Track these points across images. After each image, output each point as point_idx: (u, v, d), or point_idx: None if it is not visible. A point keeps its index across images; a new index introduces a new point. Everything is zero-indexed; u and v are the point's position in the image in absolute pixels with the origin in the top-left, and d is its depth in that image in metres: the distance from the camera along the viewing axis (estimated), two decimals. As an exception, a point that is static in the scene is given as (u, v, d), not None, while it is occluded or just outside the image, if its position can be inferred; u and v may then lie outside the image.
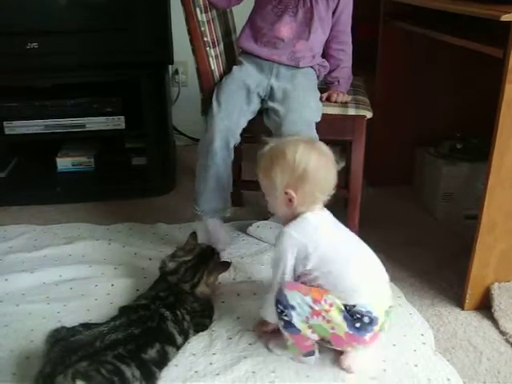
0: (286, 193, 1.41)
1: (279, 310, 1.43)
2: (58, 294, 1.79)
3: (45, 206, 2.40)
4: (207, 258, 1.71)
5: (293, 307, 1.41)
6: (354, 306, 1.39)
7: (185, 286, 1.62)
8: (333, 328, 1.40)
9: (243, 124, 1.77)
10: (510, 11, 1.39)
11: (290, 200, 1.41)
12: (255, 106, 1.81)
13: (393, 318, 1.49)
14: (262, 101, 1.81)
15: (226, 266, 1.78)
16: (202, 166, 1.82)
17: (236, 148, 1.84)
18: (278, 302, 1.43)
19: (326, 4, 1.82)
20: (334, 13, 1.85)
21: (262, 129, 1.76)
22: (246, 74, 1.83)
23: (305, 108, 1.73)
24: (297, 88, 1.79)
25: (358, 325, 1.38)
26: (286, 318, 1.41)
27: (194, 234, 1.75)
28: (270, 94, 1.79)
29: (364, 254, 1.47)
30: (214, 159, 1.77)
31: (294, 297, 1.41)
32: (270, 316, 1.49)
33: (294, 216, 1.45)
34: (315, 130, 1.73)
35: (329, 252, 1.41)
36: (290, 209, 1.44)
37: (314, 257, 1.40)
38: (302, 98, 1.76)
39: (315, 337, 1.44)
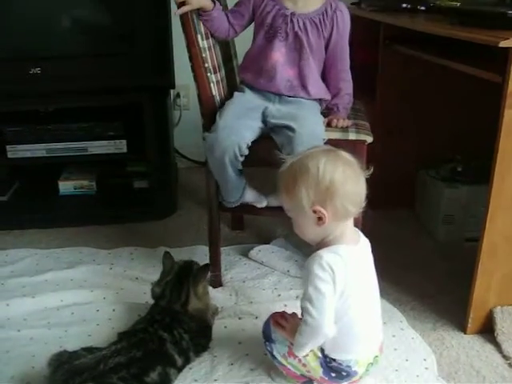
0: (315, 211, 1.28)
1: (264, 340, 1.46)
2: (60, 318, 1.79)
3: (47, 229, 2.40)
4: (187, 272, 1.69)
5: (274, 342, 1.43)
6: (334, 359, 1.37)
7: (176, 307, 1.62)
8: (308, 371, 1.40)
9: (250, 137, 1.74)
10: (509, 37, 1.40)
11: (320, 218, 1.28)
12: (258, 122, 1.79)
13: (379, 362, 1.45)
14: (266, 122, 1.80)
15: (206, 268, 1.74)
16: (216, 175, 1.82)
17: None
18: (263, 331, 1.46)
19: (316, 33, 1.82)
20: (329, 42, 1.85)
21: (265, 151, 1.76)
22: (249, 99, 1.85)
23: (315, 125, 1.74)
24: (303, 109, 1.80)
25: (333, 374, 1.38)
26: (268, 349, 1.44)
27: (167, 254, 1.75)
28: (277, 115, 1.78)
29: (371, 313, 1.40)
30: (227, 172, 1.76)
31: (276, 333, 1.43)
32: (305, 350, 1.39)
33: (327, 238, 1.33)
34: None
35: (344, 302, 1.31)
36: (321, 228, 1.31)
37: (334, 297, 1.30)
38: (310, 116, 1.77)
39: (297, 373, 1.43)
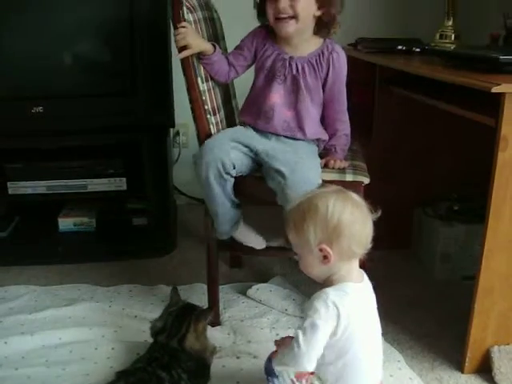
0: (321, 249, 1.29)
1: (266, 376, 1.47)
2: (58, 357, 1.78)
3: (46, 266, 2.40)
4: (191, 309, 1.70)
5: (276, 376, 1.44)
6: None
7: (173, 343, 1.61)
8: None
9: (235, 158, 1.73)
10: (501, 83, 1.43)
11: (326, 257, 1.29)
12: (249, 152, 1.80)
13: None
14: (258, 158, 1.80)
15: (210, 310, 1.77)
16: (205, 196, 1.80)
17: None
18: (265, 368, 1.48)
19: (313, 74, 1.85)
20: (325, 82, 1.87)
21: (261, 191, 1.78)
22: (246, 133, 1.87)
23: (308, 170, 1.73)
24: (298, 152, 1.81)
25: None
26: None
27: (175, 289, 1.76)
28: (271, 154, 1.78)
29: (374, 351, 1.39)
30: (213, 191, 1.74)
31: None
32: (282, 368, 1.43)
33: (332, 277, 1.34)
34: None
35: (347, 338, 1.30)
36: (326, 267, 1.32)
37: (337, 334, 1.29)
38: (304, 159, 1.77)
39: None
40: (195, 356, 1.63)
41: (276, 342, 1.51)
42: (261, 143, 1.83)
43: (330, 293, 1.30)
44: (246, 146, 1.80)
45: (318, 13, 1.79)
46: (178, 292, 1.77)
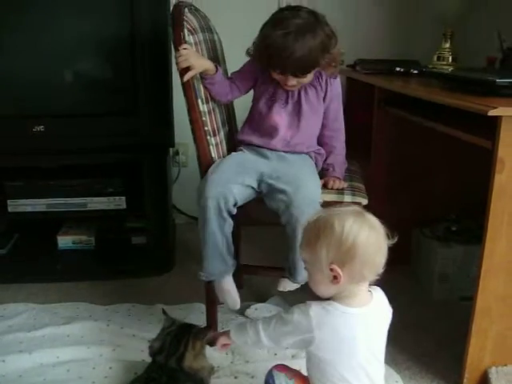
0: (332, 269, 1.27)
1: None
2: (55, 376, 1.77)
3: (45, 283, 2.41)
4: (189, 328, 1.70)
5: None
6: None
7: (172, 363, 1.61)
8: None
9: (238, 194, 1.73)
10: (497, 106, 1.45)
11: (336, 277, 1.27)
12: (252, 181, 1.79)
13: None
14: (262, 183, 1.80)
15: (207, 329, 1.77)
16: (201, 232, 1.77)
17: (234, 231, 1.84)
18: (266, 381, 1.48)
19: (315, 94, 1.89)
20: (324, 102, 1.91)
21: (261, 212, 1.79)
22: (246, 158, 1.88)
23: (311, 187, 1.75)
24: (300, 171, 1.82)
25: None
26: None
27: (164, 312, 1.76)
28: (274, 176, 1.79)
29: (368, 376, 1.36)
30: (210, 227, 1.72)
31: (280, 378, 1.45)
32: (238, 337, 1.51)
33: (337, 296, 1.32)
34: None
35: (327, 353, 1.33)
36: (335, 286, 1.30)
37: (313, 344, 1.32)
38: (306, 177, 1.79)
39: None
40: (193, 376, 1.63)
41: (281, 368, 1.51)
42: (264, 165, 1.85)
43: (312, 304, 1.32)
44: (250, 174, 1.80)
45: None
46: (167, 313, 1.75)
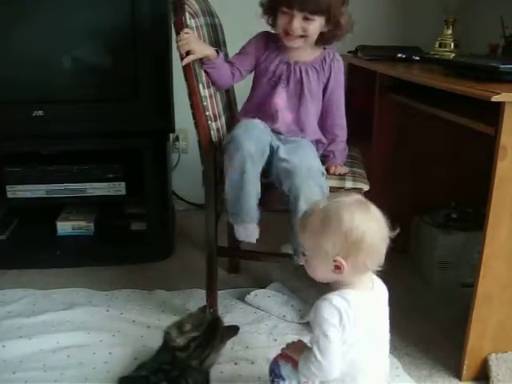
0: (335, 260, 1.28)
1: (271, 378, 1.49)
2: (56, 361, 1.78)
3: (44, 269, 2.40)
4: (215, 331, 1.69)
5: (283, 378, 1.46)
6: None
7: (193, 363, 1.59)
8: None
9: (268, 142, 1.76)
10: (500, 91, 1.44)
11: (338, 267, 1.28)
12: (270, 139, 1.81)
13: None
14: (273, 156, 1.79)
15: (235, 330, 1.79)
16: (232, 180, 1.75)
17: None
18: (271, 370, 1.49)
19: (316, 78, 1.88)
20: (326, 88, 1.90)
21: (271, 197, 1.80)
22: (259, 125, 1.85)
23: (313, 160, 1.77)
24: (301, 146, 1.82)
25: None
26: None
27: (203, 308, 1.76)
28: (280, 152, 1.78)
29: (377, 362, 1.38)
30: (249, 176, 1.72)
31: (286, 369, 1.45)
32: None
33: (337, 281, 1.33)
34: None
35: (347, 351, 1.30)
36: (336, 276, 1.31)
37: (343, 339, 1.29)
38: (308, 151, 1.81)
39: None
40: (206, 371, 1.64)
41: (286, 347, 1.50)
42: (267, 138, 1.83)
43: (333, 299, 1.29)
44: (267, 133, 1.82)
45: (325, 29, 1.81)
46: (206, 310, 1.76)
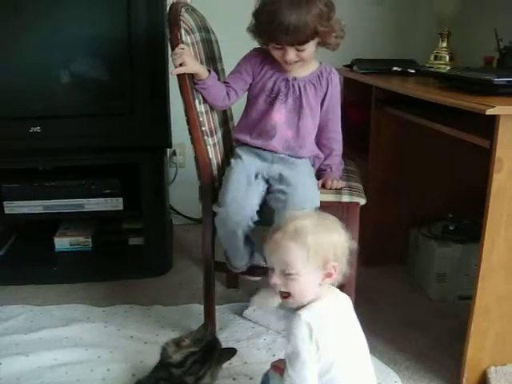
0: (329, 267, 1.35)
1: None
2: (53, 378, 1.77)
3: (42, 285, 2.40)
4: (214, 349, 1.69)
5: None
6: None
7: (189, 380, 1.59)
8: None
9: (257, 203, 1.78)
10: (495, 105, 1.45)
11: (329, 274, 1.36)
12: (263, 185, 1.82)
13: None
14: (267, 183, 1.83)
15: (233, 352, 1.78)
16: (228, 244, 1.86)
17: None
18: (262, 382, 1.53)
19: (314, 93, 1.87)
20: (323, 102, 1.90)
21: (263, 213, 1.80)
22: (247, 165, 1.85)
23: (309, 190, 1.78)
24: (299, 174, 1.83)
25: None
26: None
27: (205, 325, 1.76)
28: (275, 178, 1.82)
29: (358, 369, 1.39)
30: (239, 240, 1.80)
31: (274, 378, 1.47)
32: None
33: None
34: None
35: (325, 359, 1.33)
36: (319, 287, 1.36)
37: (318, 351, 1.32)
38: (305, 180, 1.81)
39: None
40: None
41: (273, 363, 1.53)
42: (266, 169, 1.86)
43: (302, 314, 1.33)
44: (257, 182, 1.83)
45: (321, 42, 1.82)
46: (208, 328, 1.76)
